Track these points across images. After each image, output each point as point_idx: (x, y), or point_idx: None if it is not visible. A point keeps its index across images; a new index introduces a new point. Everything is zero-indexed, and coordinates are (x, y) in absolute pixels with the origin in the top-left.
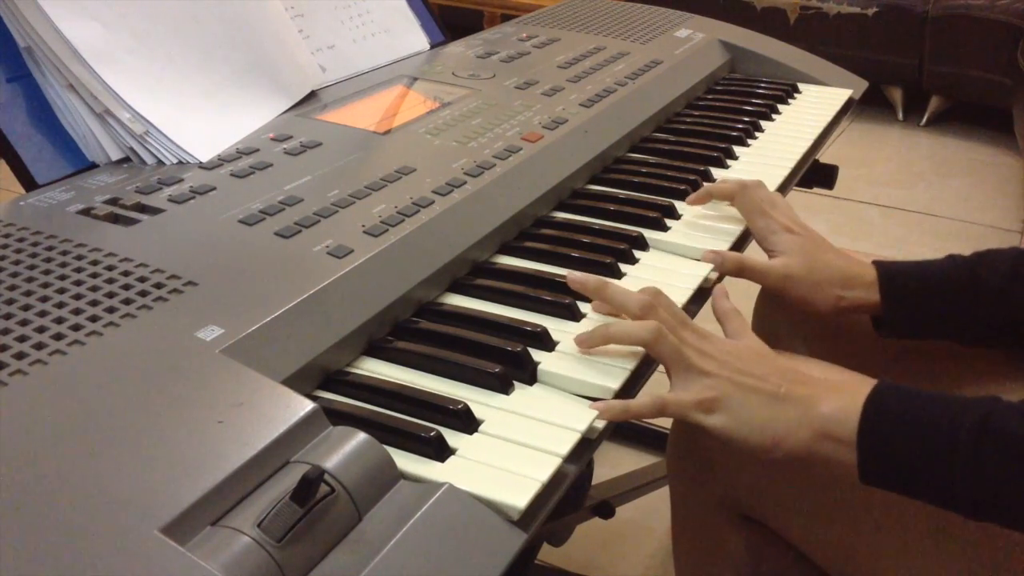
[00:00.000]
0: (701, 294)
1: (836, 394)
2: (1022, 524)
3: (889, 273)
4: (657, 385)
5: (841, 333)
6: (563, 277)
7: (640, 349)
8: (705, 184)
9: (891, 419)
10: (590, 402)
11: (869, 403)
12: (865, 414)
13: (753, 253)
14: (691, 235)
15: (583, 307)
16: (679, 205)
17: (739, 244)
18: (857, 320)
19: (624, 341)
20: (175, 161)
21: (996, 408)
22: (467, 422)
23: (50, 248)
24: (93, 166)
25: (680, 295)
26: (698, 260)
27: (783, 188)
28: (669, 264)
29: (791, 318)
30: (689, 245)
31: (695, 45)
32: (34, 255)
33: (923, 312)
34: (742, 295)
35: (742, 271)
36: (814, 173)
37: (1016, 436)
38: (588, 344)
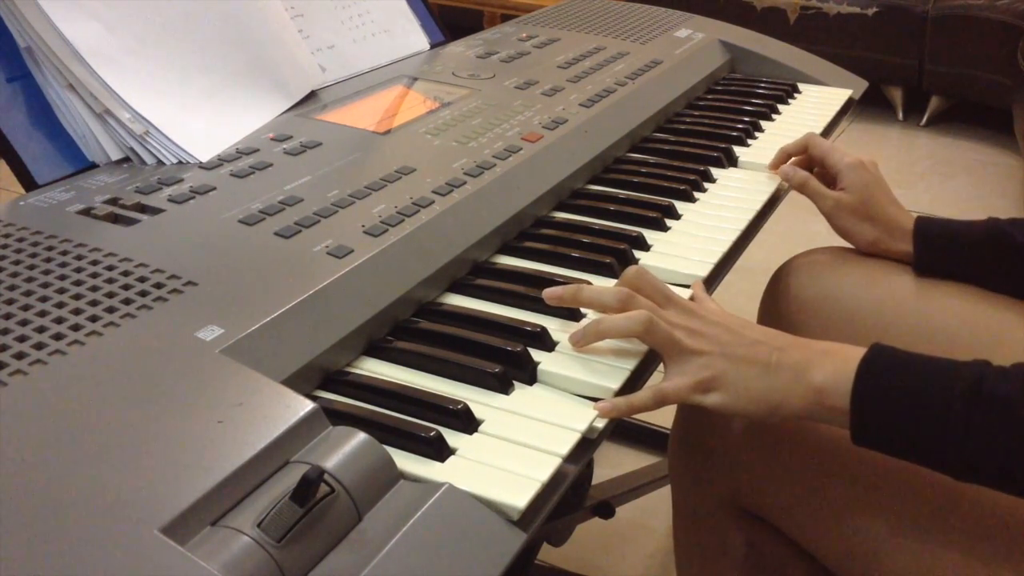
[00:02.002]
0: None
1: (828, 359)
2: (1012, 487)
3: (924, 230)
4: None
5: None
6: (563, 277)
7: (638, 348)
8: (780, 147)
9: (883, 385)
10: (591, 402)
11: (862, 369)
12: (858, 380)
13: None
14: (691, 235)
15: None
16: (679, 205)
17: (734, 250)
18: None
19: (616, 335)
20: (175, 161)
21: (988, 372)
22: (467, 422)
23: (50, 248)
24: (93, 166)
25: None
26: (698, 260)
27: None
28: (669, 264)
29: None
30: (689, 246)
31: (695, 45)
32: (34, 255)
33: (952, 265)
34: (743, 295)
35: (804, 187)
36: None
37: (1008, 401)
38: (582, 341)
